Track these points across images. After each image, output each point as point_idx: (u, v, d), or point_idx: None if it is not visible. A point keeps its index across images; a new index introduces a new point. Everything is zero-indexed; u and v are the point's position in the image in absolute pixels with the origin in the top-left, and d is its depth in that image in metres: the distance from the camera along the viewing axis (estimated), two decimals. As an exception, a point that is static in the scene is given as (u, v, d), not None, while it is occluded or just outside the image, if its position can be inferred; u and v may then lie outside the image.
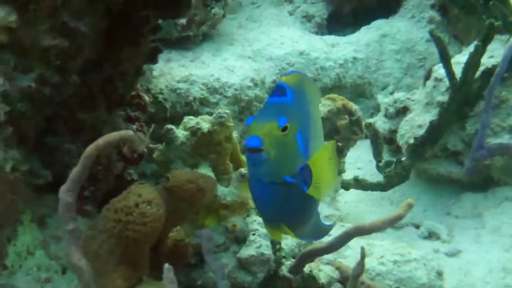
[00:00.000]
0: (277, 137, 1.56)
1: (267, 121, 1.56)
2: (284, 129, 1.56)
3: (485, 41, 3.33)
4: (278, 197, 1.64)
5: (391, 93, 4.59)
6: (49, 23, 1.84)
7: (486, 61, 3.49)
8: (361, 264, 2.00)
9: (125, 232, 1.88)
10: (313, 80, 1.87)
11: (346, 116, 3.49)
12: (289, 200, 1.65)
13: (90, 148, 1.64)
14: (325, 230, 1.96)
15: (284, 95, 1.64)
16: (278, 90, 1.66)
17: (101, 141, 1.63)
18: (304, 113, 1.69)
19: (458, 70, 3.46)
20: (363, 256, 1.98)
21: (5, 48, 1.83)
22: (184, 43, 4.25)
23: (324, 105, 3.40)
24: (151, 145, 2.54)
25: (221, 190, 2.45)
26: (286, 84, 1.66)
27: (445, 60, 3.42)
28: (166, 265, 1.53)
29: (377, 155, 3.75)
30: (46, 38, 1.85)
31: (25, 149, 1.94)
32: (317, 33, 5.13)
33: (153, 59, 2.40)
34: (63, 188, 1.63)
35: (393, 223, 2.09)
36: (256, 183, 1.65)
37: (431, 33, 3.53)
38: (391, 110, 4.09)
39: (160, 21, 2.30)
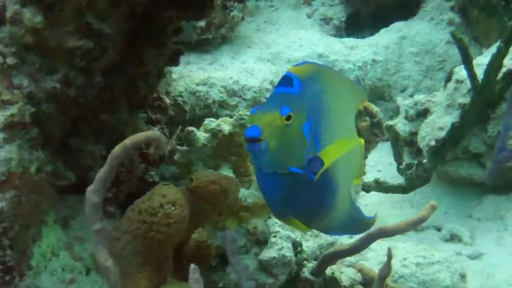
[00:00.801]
0: (279, 127, 1.52)
1: (269, 111, 1.53)
2: (288, 118, 1.53)
3: (508, 42, 3.32)
4: (283, 188, 1.59)
5: (411, 96, 4.58)
6: (74, 24, 1.85)
7: (508, 63, 3.48)
8: (388, 265, 1.98)
9: (149, 233, 1.88)
10: (334, 70, 1.80)
11: (367, 118, 3.48)
12: (296, 192, 1.61)
13: (117, 149, 1.63)
14: (366, 224, 1.90)
15: (291, 86, 1.60)
16: (284, 80, 1.61)
17: (128, 141, 1.63)
18: (315, 104, 1.64)
19: (479, 72, 3.44)
20: (390, 257, 1.96)
21: (31, 49, 1.85)
22: (203, 46, 4.26)
23: (344, 107, 3.40)
24: (178, 147, 2.54)
25: (242, 192, 2.45)
26: (293, 75, 1.61)
27: (467, 61, 3.41)
28: (192, 266, 1.52)
29: (398, 157, 3.74)
30: (71, 39, 1.85)
31: (50, 150, 1.94)
32: (335, 36, 5.13)
33: (174, 61, 2.40)
34: (90, 188, 1.63)
35: (416, 225, 2.08)
36: (260, 174, 1.61)
37: (452, 34, 3.52)
38: (412, 112, 4.08)
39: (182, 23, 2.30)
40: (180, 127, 2.61)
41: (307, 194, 1.62)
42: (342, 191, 1.72)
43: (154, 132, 1.66)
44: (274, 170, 1.57)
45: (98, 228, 1.63)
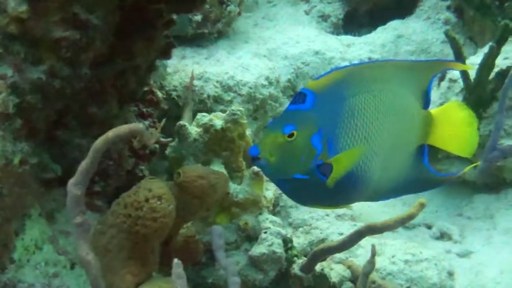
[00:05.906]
0: (280, 144, 1.72)
1: (273, 130, 1.73)
2: (290, 136, 1.71)
3: (500, 42, 3.31)
4: (295, 189, 1.81)
5: (406, 94, 4.57)
6: (60, 14, 1.83)
7: (501, 63, 3.46)
8: (371, 261, 1.99)
9: (134, 227, 1.87)
10: (386, 62, 1.97)
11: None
12: (310, 191, 1.79)
13: (99, 141, 1.62)
14: (436, 181, 2.08)
15: (302, 102, 1.77)
16: (296, 97, 1.79)
17: (110, 133, 1.61)
18: (331, 113, 1.78)
19: (472, 72, 3.44)
20: (373, 253, 1.98)
21: (15, 39, 1.83)
22: (199, 40, 4.23)
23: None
24: (162, 140, 2.53)
25: (234, 187, 2.45)
26: (308, 90, 1.78)
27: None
28: (175, 260, 1.52)
29: (391, 155, 3.74)
30: (57, 29, 1.84)
31: (35, 142, 1.93)
32: (333, 33, 5.10)
33: (166, 54, 2.39)
34: (71, 181, 1.62)
35: (405, 222, 2.11)
36: (272, 179, 1.89)
37: (446, 33, 3.52)
38: (406, 110, 4.07)
39: (174, 17, 2.28)
40: (164, 120, 2.60)
41: (323, 192, 1.80)
42: (385, 167, 1.89)
43: (137, 124, 1.64)
44: (279, 178, 1.79)
45: (79, 222, 1.62)
